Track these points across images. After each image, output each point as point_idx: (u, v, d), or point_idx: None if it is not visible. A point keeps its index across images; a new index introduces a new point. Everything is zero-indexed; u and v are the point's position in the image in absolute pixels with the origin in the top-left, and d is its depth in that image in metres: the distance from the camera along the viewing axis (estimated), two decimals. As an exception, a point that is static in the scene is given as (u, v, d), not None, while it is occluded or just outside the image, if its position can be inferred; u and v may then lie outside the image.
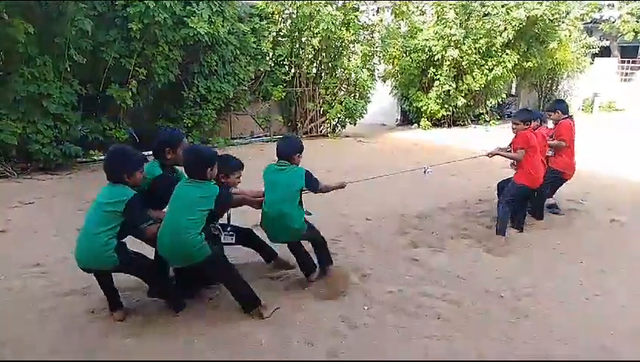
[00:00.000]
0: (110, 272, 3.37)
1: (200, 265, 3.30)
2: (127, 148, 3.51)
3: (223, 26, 9.17)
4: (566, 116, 5.90)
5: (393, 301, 3.78)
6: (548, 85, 18.77)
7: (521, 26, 13.71)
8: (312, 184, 3.85)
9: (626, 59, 22.14)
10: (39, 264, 4.32)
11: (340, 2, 12.01)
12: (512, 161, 5.44)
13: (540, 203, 5.82)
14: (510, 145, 5.47)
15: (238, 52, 10.10)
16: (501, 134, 13.63)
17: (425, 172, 5.50)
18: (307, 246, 4.10)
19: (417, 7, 14.64)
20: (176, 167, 3.81)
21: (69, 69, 7.44)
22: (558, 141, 5.76)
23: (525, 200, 5.46)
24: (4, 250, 4.63)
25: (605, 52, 21.51)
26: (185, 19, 8.45)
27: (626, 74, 21.62)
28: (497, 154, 5.40)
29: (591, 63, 19.06)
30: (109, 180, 3.27)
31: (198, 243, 3.23)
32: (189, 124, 9.73)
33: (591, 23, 20.73)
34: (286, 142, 3.98)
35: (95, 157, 8.33)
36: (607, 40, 21.70)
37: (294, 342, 3.22)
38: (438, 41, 13.75)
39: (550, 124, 6.13)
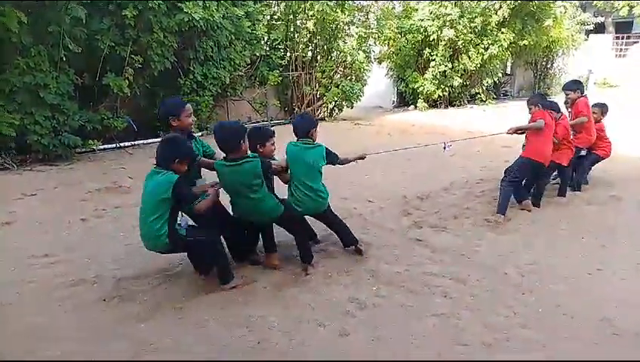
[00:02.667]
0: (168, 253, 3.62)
1: (277, 221, 3.96)
2: (179, 137, 3.64)
3: (217, 11, 9.09)
4: (583, 95, 6.03)
5: (400, 281, 3.84)
6: (543, 63, 18.73)
7: (516, 3, 13.64)
8: (331, 159, 4.10)
9: (621, 35, 22.10)
10: (47, 254, 4.36)
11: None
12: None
13: (564, 179, 5.99)
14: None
15: (233, 37, 10.02)
16: (498, 113, 13.73)
17: (445, 148, 5.54)
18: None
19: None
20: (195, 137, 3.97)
21: (64, 59, 7.38)
22: (580, 118, 5.82)
23: (537, 177, 5.57)
24: (12, 242, 4.66)
25: (600, 28, 21.46)
26: (179, 4, 8.37)
27: (621, 50, 21.60)
28: (518, 129, 5.42)
29: (585, 40, 19.00)
30: (157, 164, 3.45)
31: (273, 207, 3.79)
32: (187, 111, 9.67)
33: (585, -2, 20.64)
34: (303, 119, 4.23)
35: (94, 147, 8.30)
36: (601, 16, 21.63)
37: (305, 323, 3.28)
38: (434, 21, 13.68)
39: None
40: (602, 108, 6.24)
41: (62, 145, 7.61)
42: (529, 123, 5.37)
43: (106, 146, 8.66)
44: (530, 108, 5.45)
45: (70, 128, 7.74)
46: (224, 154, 3.72)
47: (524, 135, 5.53)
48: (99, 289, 3.75)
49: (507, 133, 5.50)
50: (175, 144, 3.50)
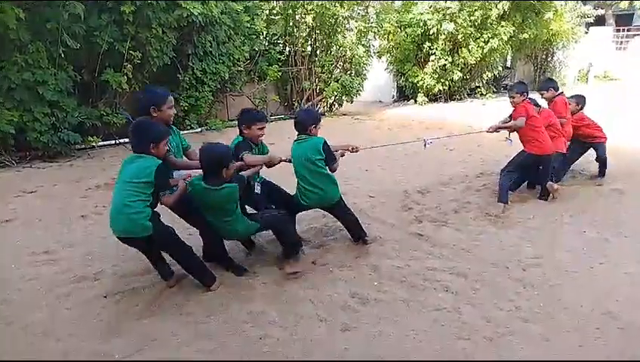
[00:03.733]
0: (143, 241, 3.41)
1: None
2: (150, 121, 3.53)
3: (216, 6, 9.06)
4: (558, 93, 6.01)
5: (401, 275, 3.84)
6: (543, 56, 18.65)
7: (516, -4, 13.58)
8: (328, 157, 4.01)
9: (621, 28, 22.02)
10: (47, 251, 4.36)
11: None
12: (507, 133, 5.58)
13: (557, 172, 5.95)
14: (509, 117, 5.55)
15: (232, 32, 9.98)
16: (498, 107, 13.67)
17: (425, 145, 5.53)
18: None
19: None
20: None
21: (62, 55, 7.34)
22: (559, 119, 5.76)
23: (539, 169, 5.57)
24: (12, 239, 4.66)
25: (600, 21, 21.36)
26: (177, 0, 8.32)
27: (621, 42, 21.52)
28: (498, 128, 5.49)
29: (586, 33, 18.91)
30: (134, 151, 3.35)
31: (245, 229, 3.73)
32: (186, 107, 9.67)
33: (585, -10, 20.53)
34: (304, 114, 4.23)
35: (94, 144, 8.28)
36: (601, 8, 21.53)
37: (307, 318, 3.28)
38: (433, 14, 13.62)
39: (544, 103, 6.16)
40: (578, 99, 6.23)
41: (61, 141, 7.60)
42: (510, 117, 5.44)
43: (105, 143, 8.64)
44: (512, 98, 5.37)
45: (69, 125, 7.72)
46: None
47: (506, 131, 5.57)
48: (100, 286, 3.75)
49: (487, 131, 5.54)
50: (146, 127, 3.38)
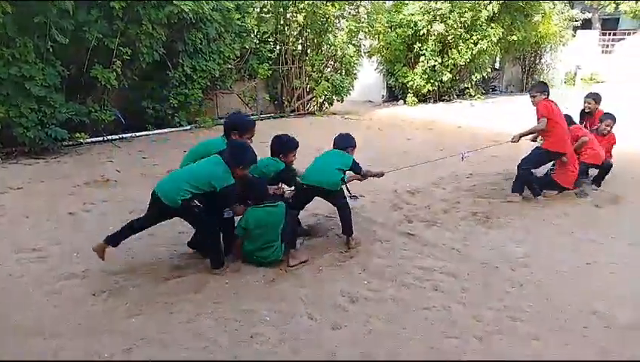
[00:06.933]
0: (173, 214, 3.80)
1: None
2: (250, 147, 3.87)
3: (207, 3, 8.99)
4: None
5: (391, 274, 3.86)
6: (531, 58, 18.84)
7: (505, -2, 13.71)
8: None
9: (607, 31, 22.32)
10: (35, 249, 4.30)
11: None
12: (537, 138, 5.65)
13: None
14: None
15: (223, 29, 9.91)
16: (486, 108, 13.81)
17: (462, 158, 5.73)
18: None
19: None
20: None
21: (50, 50, 7.22)
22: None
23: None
24: (-1, 236, 4.59)
25: (587, 24, 21.66)
26: (168, -4, 8.26)
27: (607, 46, 21.82)
28: (521, 136, 5.50)
29: (573, 36, 19.17)
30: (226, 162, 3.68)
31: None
32: (175, 105, 9.58)
33: (573, -6, 20.80)
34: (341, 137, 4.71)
35: (81, 140, 8.17)
36: (588, 12, 21.84)
37: (297, 316, 3.28)
38: (424, 15, 13.69)
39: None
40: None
41: (48, 138, 7.48)
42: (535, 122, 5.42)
43: (93, 139, 8.53)
44: (533, 97, 5.40)
45: (57, 121, 7.59)
46: None
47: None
48: (88, 284, 3.71)
49: (512, 141, 5.54)
50: (247, 151, 3.78)
